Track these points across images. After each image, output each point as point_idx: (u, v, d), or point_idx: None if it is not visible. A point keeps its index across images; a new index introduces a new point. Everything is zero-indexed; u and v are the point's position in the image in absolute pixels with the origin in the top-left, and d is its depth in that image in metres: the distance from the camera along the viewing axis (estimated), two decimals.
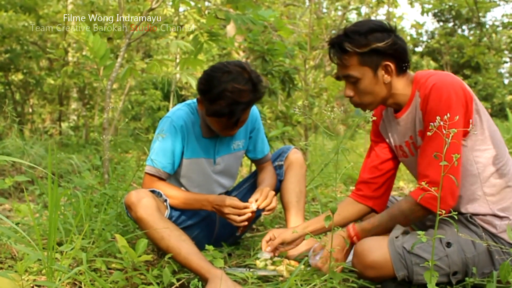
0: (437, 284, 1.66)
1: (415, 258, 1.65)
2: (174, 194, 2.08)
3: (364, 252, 1.69)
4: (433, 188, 1.48)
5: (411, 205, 1.68)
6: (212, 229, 2.30)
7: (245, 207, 2.03)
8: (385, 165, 1.96)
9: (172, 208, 2.07)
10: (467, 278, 1.68)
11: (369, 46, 1.68)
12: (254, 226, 2.76)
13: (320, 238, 2.47)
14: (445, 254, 1.67)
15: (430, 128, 1.40)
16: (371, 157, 2.00)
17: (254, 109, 2.32)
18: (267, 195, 2.08)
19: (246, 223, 2.05)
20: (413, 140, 1.82)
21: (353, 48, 1.69)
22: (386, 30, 1.71)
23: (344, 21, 7.86)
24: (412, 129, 1.80)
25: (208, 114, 2.03)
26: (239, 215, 2.02)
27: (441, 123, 1.39)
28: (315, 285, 1.74)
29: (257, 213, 2.38)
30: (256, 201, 2.06)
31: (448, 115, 1.41)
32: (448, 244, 1.68)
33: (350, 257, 1.98)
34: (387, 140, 1.96)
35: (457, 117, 1.53)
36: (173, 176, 2.22)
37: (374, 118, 1.74)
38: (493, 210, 1.72)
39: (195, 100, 2.25)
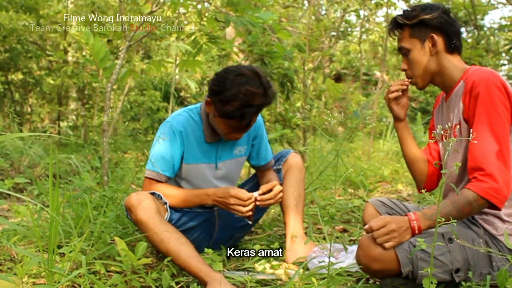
0: (440, 283, 1.68)
1: (420, 253, 1.66)
2: (173, 193, 2.09)
3: (371, 244, 1.69)
4: (489, 180, 1.61)
5: (474, 195, 1.66)
6: (211, 232, 2.31)
7: (249, 198, 2.05)
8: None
9: (172, 210, 2.08)
10: (463, 283, 1.69)
11: (417, 18, 1.83)
12: (252, 229, 2.77)
13: (318, 241, 2.48)
14: (448, 250, 1.68)
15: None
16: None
17: (258, 116, 2.33)
18: (275, 193, 2.10)
19: (251, 213, 2.06)
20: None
21: (403, 20, 1.87)
22: (439, 8, 1.84)
23: (343, 23, 7.89)
24: (450, 116, 1.87)
25: (220, 115, 2.04)
26: (244, 206, 2.04)
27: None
28: None
29: (256, 216, 2.40)
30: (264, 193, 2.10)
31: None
32: (450, 240, 1.70)
33: (350, 260, 2.00)
34: (438, 122, 2.04)
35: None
36: (173, 179, 2.23)
37: (374, 124, 1.76)
38: (499, 212, 1.74)
39: (197, 105, 2.26)
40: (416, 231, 1.68)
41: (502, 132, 1.67)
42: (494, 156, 1.64)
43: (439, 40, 1.84)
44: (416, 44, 1.87)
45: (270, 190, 2.12)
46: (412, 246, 1.67)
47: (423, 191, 1.56)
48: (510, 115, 1.71)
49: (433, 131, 1.80)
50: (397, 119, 2.03)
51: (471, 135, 1.50)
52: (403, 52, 1.90)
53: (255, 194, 2.08)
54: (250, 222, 2.14)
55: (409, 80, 1.93)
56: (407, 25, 1.87)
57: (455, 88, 1.84)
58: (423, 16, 1.83)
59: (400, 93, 1.97)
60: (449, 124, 1.78)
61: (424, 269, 1.65)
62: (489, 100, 1.67)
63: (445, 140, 1.86)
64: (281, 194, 2.14)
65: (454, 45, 1.85)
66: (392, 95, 1.97)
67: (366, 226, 1.71)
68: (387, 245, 1.66)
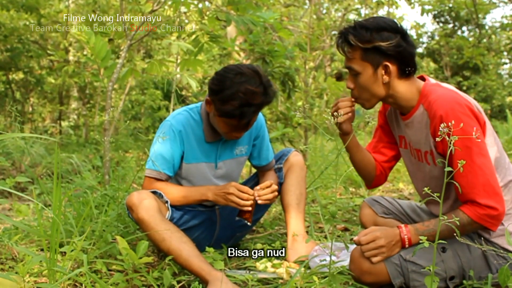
0: None
1: (411, 265, 1.66)
2: (173, 190, 2.09)
3: (361, 258, 1.70)
4: (486, 208, 1.59)
5: (468, 219, 1.63)
6: (212, 231, 2.31)
7: (248, 191, 2.04)
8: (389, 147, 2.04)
9: (174, 209, 2.08)
10: (465, 281, 1.69)
11: (371, 43, 1.68)
12: (254, 228, 2.77)
13: (320, 240, 2.48)
14: (441, 259, 1.68)
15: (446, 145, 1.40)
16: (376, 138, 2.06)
17: (260, 116, 2.33)
18: (271, 186, 2.10)
19: (250, 208, 2.05)
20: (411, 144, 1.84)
21: (356, 42, 1.70)
22: (394, 30, 1.69)
23: (344, 22, 7.87)
24: (416, 140, 1.80)
25: (219, 114, 2.04)
26: (243, 199, 2.03)
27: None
28: (315, 287, 1.75)
29: (257, 215, 2.40)
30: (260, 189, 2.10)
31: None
32: (443, 249, 1.69)
33: (349, 260, 2.00)
34: (391, 126, 1.98)
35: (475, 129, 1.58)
36: (174, 178, 2.23)
37: (373, 122, 1.75)
38: None
39: (198, 104, 2.25)
40: (406, 245, 1.68)
41: (484, 160, 1.62)
42: (484, 188, 1.60)
43: (393, 68, 1.71)
44: (368, 69, 1.72)
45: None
46: (402, 259, 1.67)
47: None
48: (483, 131, 1.68)
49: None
50: (344, 134, 1.92)
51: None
52: (352, 72, 1.76)
53: (255, 193, 2.08)
54: (249, 223, 2.14)
55: (356, 100, 1.82)
56: (359, 46, 1.71)
57: (415, 113, 1.75)
58: (379, 42, 1.67)
59: (350, 115, 1.86)
60: (411, 143, 1.80)
61: (416, 280, 1.66)
62: (462, 133, 1.56)
63: (413, 156, 1.86)
64: (276, 193, 2.13)
65: (408, 71, 1.73)
66: (342, 119, 1.82)
67: (355, 238, 1.71)
68: (374, 259, 1.67)
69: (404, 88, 1.75)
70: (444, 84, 1.76)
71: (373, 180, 2.05)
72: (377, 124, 2.07)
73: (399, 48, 1.68)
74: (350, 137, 1.91)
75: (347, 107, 1.84)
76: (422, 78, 1.81)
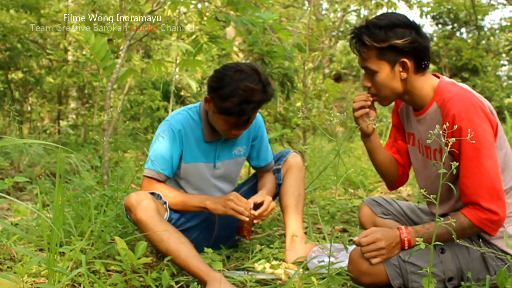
0: None
1: (410, 267, 1.67)
2: (172, 195, 2.09)
3: (360, 259, 1.70)
4: (488, 212, 1.58)
5: (469, 223, 1.63)
6: (211, 231, 2.31)
7: (247, 203, 2.04)
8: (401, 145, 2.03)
9: (172, 210, 2.08)
10: (463, 283, 1.70)
11: (387, 42, 1.68)
12: (252, 229, 2.77)
13: (318, 241, 2.48)
14: (440, 261, 1.68)
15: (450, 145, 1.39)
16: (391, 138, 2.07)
17: (259, 117, 2.33)
18: (268, 206, 2.10)
19: (247, 219, 2.04)
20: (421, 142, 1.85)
21: (371, 42, 1.70)
22: (408, 26, 1.69)
23: (343, 23, 7.89)
24: (426, 137, 1.80)
25: (219, 112, 2.04)
26: (241, 207, 2.02)
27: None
28: None
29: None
30: (256, 205, 2.09)
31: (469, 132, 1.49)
32: (442, 250, 1.70)
33: (347, 261, 2.00)
34: (403, 122, 1.99)
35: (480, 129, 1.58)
36: (172, 178, 2.23)
37: (374, 126, 1.76)
38: None
39: (196, 104, 2.26)
40: (406, 247, 1.68)
41: (492, 164, 1.61)
42: (489, 191, 1.60)
43: (410, 64, 1.71)
44: (385, 67, 1.72)
45: (262, 203, 2.12)
46: (400, 260, 1.68)
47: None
48: (495, 134, 1.67)
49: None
50: (365, 135, 1.91)
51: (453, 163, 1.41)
52: (368, 72, 1.77)
53: (253, 211, 2.07)
54: (247, 240, 2.12)
55: (373, 97, 1.82)
56: (374, 46, 1.70)
57: (428, 110, 1.76)
58: (395, 40, 1.67)
59: (367, 110, 1.85)
60: (421, 140, 1.79)
61: (415, 281, 1.66)
62: (474, 134, 1.55)
63: (421, 154, 1.86)
64: (273, 204, 2.13)
65: (424, 65, 1.74)
66: (358, 114, 1.84)
67: (355, 239, 1.71)
68: (373, 261, 1.67)
69: (420, 84, 1.75)
70: (460, 83, 1.76)
71: (395, 180, 2.05)
72: (391, 124, 2.07)
73: (415, 44, 1.69)
74: (369, 139, 1.91)
75: (361, 100, 1.84)
76: (436, 76, 1.82)
